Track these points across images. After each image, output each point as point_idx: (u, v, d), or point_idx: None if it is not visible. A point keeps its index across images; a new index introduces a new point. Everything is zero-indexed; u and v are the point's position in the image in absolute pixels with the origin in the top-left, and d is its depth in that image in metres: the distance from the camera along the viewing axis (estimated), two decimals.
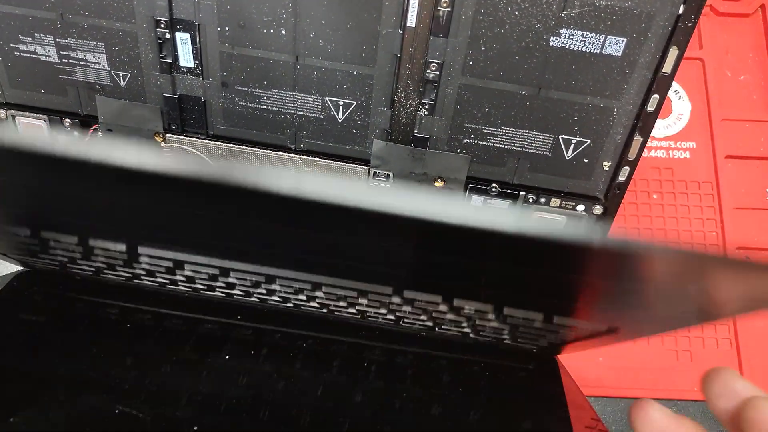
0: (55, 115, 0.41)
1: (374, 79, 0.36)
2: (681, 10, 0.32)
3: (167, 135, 0.41)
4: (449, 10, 0.33)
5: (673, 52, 0.33)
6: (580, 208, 0.40)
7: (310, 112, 0.38)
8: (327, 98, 0.38)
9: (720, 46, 0.59)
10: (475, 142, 0.38)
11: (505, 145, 0.38)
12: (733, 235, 0.54)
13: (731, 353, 0.51)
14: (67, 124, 0.42)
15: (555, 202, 0.40)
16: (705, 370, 0.53)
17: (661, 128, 0.56)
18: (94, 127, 0.42)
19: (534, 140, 0.38)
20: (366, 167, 0.41)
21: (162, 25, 0.36)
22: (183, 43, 0.37)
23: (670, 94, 0.57)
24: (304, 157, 0.41)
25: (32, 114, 0.42)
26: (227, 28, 0.36)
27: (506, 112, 0.37)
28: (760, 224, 0.55)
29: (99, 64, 0.38)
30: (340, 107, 0.38)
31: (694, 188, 0.55)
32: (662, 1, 0.31)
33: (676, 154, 0.57)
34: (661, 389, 0.49)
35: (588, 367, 0.51)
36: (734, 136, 0.57)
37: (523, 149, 0.38)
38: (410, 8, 0.33)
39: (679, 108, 0.57)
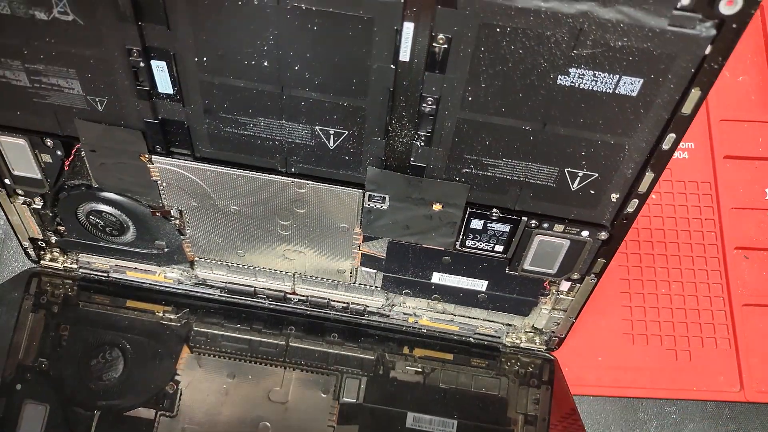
0: (35, 135, 0.40)
1: (366, 111, 0.34)
2: (708, 51, 0.28)
3: (152, 156, 0.39)
4: (446, 47, 0.30)
5: (694, 94, 0.30)
6: (585, 233, 0.39)
7: (300, 140, 0.36)
8: (317, 127, 0.35)
9: None
10: (475, 171, 0.36)
11: (506, 175, 0.36)
12: (732, 235, 0.54)
13: (730, 353, 0.51)
14: (49, 143, 0.40)
15: (558, 228, 0.39)
16: (704, 370, 0.54)
17: None
18: (77, 147, 0.40)
19: (538, 172, 0.35)
20: (361, 191, 0.39)
21: (135, 54, 0.33)
22: (159, 70, 0.34)
23: None
24: (295, 180, 0.39)
25: (12, 134, 0.40)
26: (205, 58, 0.33)
27: (508, 145, 0.34)
28: (758, 224, 0.54)
29: (73, 89, 0.36)
30: (331, 136, 0.36)
31: (693, 188, 0.55)
32: (686, 42, 0.28)
33: (674, 154, 0.56)
34: (660, 389, 0.50)
35: (587, 366, 0.51)
36: (733, 137, 0.56)
37: (526, 180, 0.36)
38: (403, 43, 0.30)
39: None
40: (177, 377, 0.48)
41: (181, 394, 0.47)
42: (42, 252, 0.49)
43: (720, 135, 0.56)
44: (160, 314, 0.50)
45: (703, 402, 0.50)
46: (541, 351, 0.50)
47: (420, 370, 0.50)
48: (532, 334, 0.49)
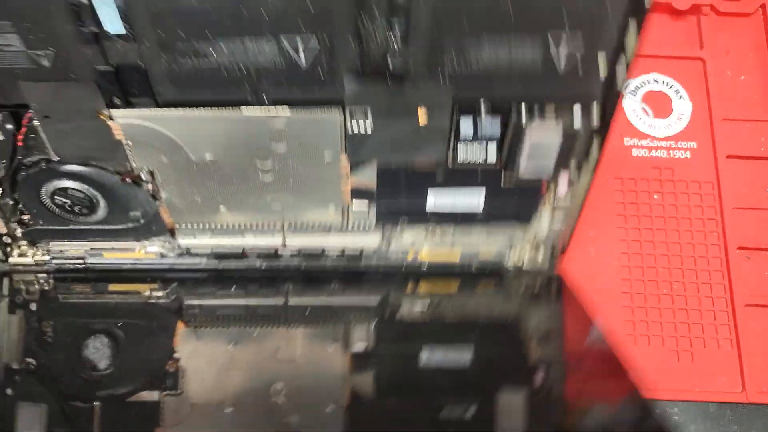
0: None
1: (333, 12, 0.32)
2: None
3: (112, 111, 0.36)
4: None
5: None
6: (577, 116, 0.37)
7: (268, 63, 0.34)
8: (283, 41, 0.33)
9: (720, 45, 0.59)
10: (458, 68, 0.34)
11: (491, 65, 0.34)
12: (734, 235, 0.54)
13: (732, 354, 0.50)
14: None
15: (550, 113, 0.37)
16: (705, 371, 0.53)
17: (661, 128, 0.56)
18: (27, 116, 0.37)
19: (523, 55, 0.34)
20: (340, 109, 0.37)
21: None
22: (104, 4, 0.31)
23: (671, 93, 0.56)
24: (270, 110, 0.37)
25: None
26: None
27: (490, 29, 0.32)
28: (760, 224, 0.54)
29: (12, 45, 0.33)
30: (301, 50, 0.33)
31: (695, 188, 0.55)
32: None
33: (676, 154, 0.56)
34: (662, 390, 0.49)
35: None
36: (735, 136, 0.56)
37: (511, 66, 0.34)
38: None
39: (679, 108, 0.56)
40: (176, 355, 0.45)
41: (183, 371, 0.45)
42: (8, 248, 0.46)
43: (722, 134, 0.56)
44: (147, 293, 0.47)
45: (705, 403, 0.49)
46: (545, 268, 0.49)
47: (426, 305, 0.48)
48: (534, 251, 0.48)
